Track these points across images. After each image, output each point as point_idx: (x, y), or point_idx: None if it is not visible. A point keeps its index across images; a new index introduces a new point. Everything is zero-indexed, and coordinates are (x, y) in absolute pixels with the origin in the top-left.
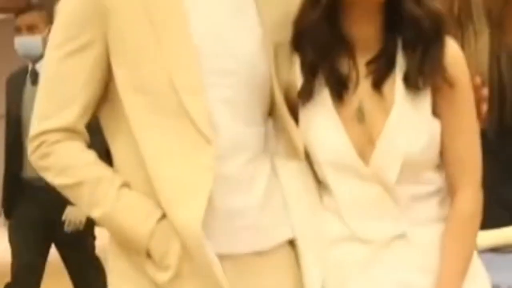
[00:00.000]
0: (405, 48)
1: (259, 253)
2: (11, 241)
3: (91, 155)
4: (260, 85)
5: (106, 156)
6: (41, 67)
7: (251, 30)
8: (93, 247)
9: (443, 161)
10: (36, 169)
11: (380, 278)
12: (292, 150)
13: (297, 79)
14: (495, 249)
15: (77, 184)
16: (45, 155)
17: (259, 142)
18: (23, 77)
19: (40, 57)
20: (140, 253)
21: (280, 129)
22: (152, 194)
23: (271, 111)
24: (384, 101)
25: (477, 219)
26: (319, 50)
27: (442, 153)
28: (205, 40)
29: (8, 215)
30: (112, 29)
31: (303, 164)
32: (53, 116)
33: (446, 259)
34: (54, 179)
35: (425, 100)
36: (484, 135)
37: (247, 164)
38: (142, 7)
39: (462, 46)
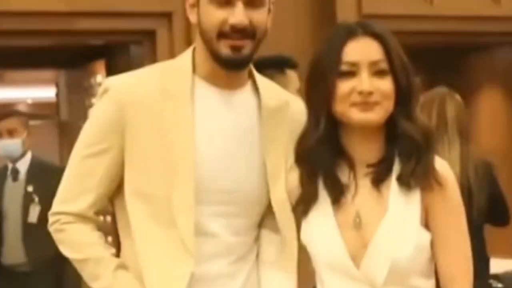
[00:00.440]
0: (400, 156)
1: None
2: None
3: (96, 237)
4: (254, 203)
5: None
6: (21, 165)
7: (251, 154)
8: None
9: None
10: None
11: None
12: (283, 250)
13: (296, 189)
14: None
15: (83, 260)
16: (60, 231)
17: (246, 248)
18: (4, 175)
19: (20, 157)
20: None
21: (274, 230)
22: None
23: (266, 216)
24: (380, 206)
25: None
26: (321, 164)
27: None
28: (208, 162)
29: None
30: (128, 140)
31: (287, 262)
32: (70, 201)
33: None
34: (66, 252)
35: (416, 208)
36: None
37: (230, 265)
38: (156, 127)
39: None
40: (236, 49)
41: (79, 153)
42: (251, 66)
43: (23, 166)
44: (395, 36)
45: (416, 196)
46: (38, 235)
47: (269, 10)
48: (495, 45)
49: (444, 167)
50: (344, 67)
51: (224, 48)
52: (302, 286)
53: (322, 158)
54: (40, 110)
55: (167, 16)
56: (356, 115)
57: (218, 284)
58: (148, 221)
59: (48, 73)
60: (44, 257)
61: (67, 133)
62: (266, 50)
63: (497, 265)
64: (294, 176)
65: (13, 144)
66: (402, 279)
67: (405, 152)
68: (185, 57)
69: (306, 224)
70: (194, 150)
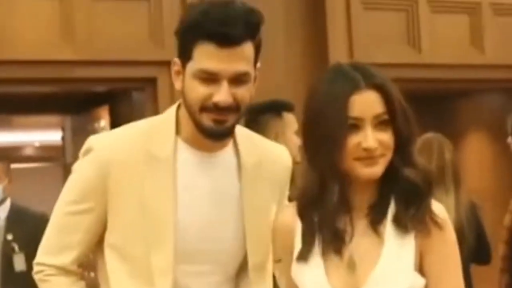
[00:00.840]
0: (397, 198)
1: None
2: None
3: None
4: (232, 261)
5: None
6: (0, 212)
7: (232, 216)
8: None
9: None
10: None
11: None
12: None
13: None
14: None
15: None
16: (44, 281)
17: None
18: None
19: (0, 202)
20: None
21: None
22: None
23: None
24: (374, 249)
25: None
26: (323, 215)
27: None
28: (187, 227)
29: None
30: (110, 199)
31: None
32: (53, 255)
33: None
34: None
35: (411, 253)
36: None
37: None
38: (138, 189)
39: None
40: (219, 122)
41: (61, 209)
42: None
43: (2, 212)
44: None
45: (411, 240)
46: (19, 283)
47: (255, 79)
48: (481, 91)
49: (441, 211)
50: (349, 122)
51: (206, 121)
52: None
53: (333, 217)
54: (46, 153)
55: (167, 64)
56: (362, 171)
57: None
58: (126, 278)
59: (54, 118)
60: None
61: None
62: (257, 94)
63: None
64: (286, 212)
65: None
66: None
67: (404, 195)
68: (168, 117)
69: (297, 268)
70: (174, 215)
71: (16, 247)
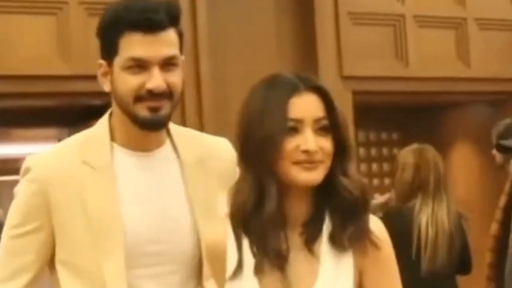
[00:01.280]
0: (332, 214)
1: None
2: None
3: None
4: (189, 258)
5: None
6: None
7: (180, 212)
8: None
9: None
10: None
11: None
12: None
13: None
14: None
15: None
16: None
17: None
18: None
19: None
20: None
21: None
22: None
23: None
24: (311, 268)
25: None
26: (259, 229)
27: None
28: (135, 229)
29: None
30: (55, 217)
31: None
32: (6, 281)
33: None
34: None
35: (349, 271)
36: None
37: None
38: (80, 201)
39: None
40: (154, 110)
41: (8, 233)
42: (169, 124)
43: None
44: (373, 95)
45: (349, 259)
46: None
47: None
48: (467, 104)
49: (379, 228)
50: (289, 124)
51: (141, 111)
52: None
53: (264, 229)
54: None
55: None
56: (300, 175)
57: None
58: None
59: (51, 131)
60: None
61: None
62: None
63: None
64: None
65: None
66: None
67: (340, 210)
68: (102, 125)
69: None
70: (120, 221)
71: None
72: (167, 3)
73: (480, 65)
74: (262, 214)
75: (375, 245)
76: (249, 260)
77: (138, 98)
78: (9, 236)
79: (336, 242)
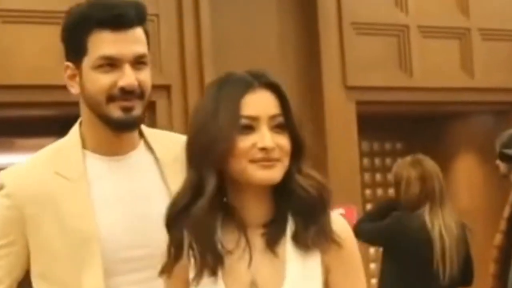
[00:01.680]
0: (294, 214)
1: None
2: None
3: None
4: None
5: None
6: None
7: (161, 212)
8: None
9: None
10: None
11: None
12: None
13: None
14: None
15: None
16: None
17: None
18: None
19: None
20: None
21: None
22: None
23: None
24: (277, 270)
25: None
26: (204, 231)
27: None
28: (112, 235)
29: None
30: (29, 233)
31: None
32: None
33: None
34: None
35: (317, 269)
36: None
37: None
38: (54, 213)
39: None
40: (127, 110)
41: None
42: (141, 126)
43: None
44: (377, 105)
45: (316, 257)
46: None
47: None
48: (470, 114)
49: (341, 225)
50: (243, 121)
51: (114, 111)
52: None
53: (205, 224)
54: None
55: (166, 88)
56: (257, 173)
57: None
58: None
59: (53, 140)
60: None
61: None
62: None
63: None
64: None
65: None
66: None
67: (299, 209)
68: (73, 134)
69: None
70: (96, 229)
71: None
72: (133, 1)
73: (484, 75)
74: (192, 212)
75: (337, 244)
76: (211, 265)
77: (111, 98)
78: None
79: (300, 241)
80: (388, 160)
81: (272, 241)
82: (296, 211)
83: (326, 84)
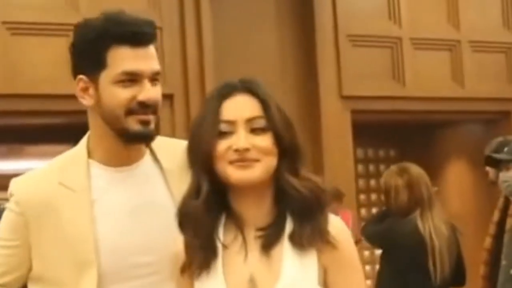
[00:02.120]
0: (292, 215)
1: None
2: None
3: None
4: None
5: None
6: None
7: (167, 221)
8: None
9: None
10: None
11: None
12: None
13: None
14: None
15: None
16: None
17: None
18: None
19: None
20: None
21: None
22: None
23: None
24: (273, 268)
25: None
26: (203, 228)
27: None
28: (113, 243)
29: None
30: (32, 237)
31: None
32: None
33: None
34: None
35: (313, 269)
36: None
37: None
38: (57, 226)
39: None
40: (145, 123)
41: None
42: None
43: None
44: (372, 114)
45: (312, 256)
46: None
47: None
48: (461, 122)
49: (337, 227)
50: (222, 126)
51: (133, 124)
52: None
53: (204, 221)
54: None
55: (169, 97)
56: (234, 173)
57: None
58: None
59: (61, 147)
60: None
61: None
62: None
63: None
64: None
65: None
66: None
67: (295, 210)
68: (80, 145)
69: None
70: (95, 239)
71: None
72: (146, 19)
73: (474, 86)
74: (190, 211)
75: (332, 246)
76: (214, 262)
77: (129, 111)
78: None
79: (296, 241)
80: (382, 167)
81: (268, 244)
82: (293, 211)
83: (322, 93)
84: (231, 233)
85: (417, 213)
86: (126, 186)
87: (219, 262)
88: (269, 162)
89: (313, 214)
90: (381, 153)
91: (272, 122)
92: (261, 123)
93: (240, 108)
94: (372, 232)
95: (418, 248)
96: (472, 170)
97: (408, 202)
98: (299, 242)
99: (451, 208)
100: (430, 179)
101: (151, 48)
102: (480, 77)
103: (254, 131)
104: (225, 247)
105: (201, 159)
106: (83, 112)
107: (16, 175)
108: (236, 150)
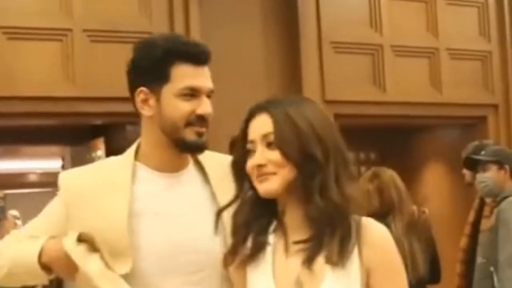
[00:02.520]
0: (324, 228)
1: None
2: None
3: None
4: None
5: None
6: None
7: (210, 224)
8: None
9: None
10: None
11: None
12: None
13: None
14: None
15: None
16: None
17: None
18: None
19: None
20: None
21: None
22: None
23: None
24: (316, 272)
25: None
26: (253, 227)
27: None
28: (158, 244)
29: None
30: (71, 224)
31: None
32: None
33: None
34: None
35: (356, 270)
36: None
37: None
38: (95, 220)
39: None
40: (200, 135)
41: (41, 214)
42: None
43: None
44: (353, 118)
45: (355, 260)
46: None
47: None
48: (438, 127)
49: (377, 231)
50: (248, 146)
51: (190, 135)
52: None
53: (254, 225)
54: (48, 180)
55: None
56: (258, 187)
57: None
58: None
59: (55, 148)
60: None
61: None
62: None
63: None
64: None
65: None
66: None
67: (317, 220)
68: (129, 151)
69: (248, 283)
70: (131, 231)
71: None
72: (202, 43)
73: (451, 92)
74: (254, 215)
75: (373, 250)
76: (264, 257)
77: (189, 123)
78: (41, 215)
79: (332, 261)
80: (363, 169)
81: (309, 258)
82: (324, 224)
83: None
84: (279, 237)
85: (390, 218)
86: (170, 190)
87: (268, 261)
88: (285, 174)
89: (336, 224)
90: (362, 155)
91: (276, 137)
92: (271, 138)
93: (257, 126)
94: None
95: None
96: (450, 172)
97: (380, 206)
98: (334, 261)
99: (429, 209)
100: (409, 181)
101: (207, 68)
102: (458, 84)
103: (269, 146)
104: (272, 248)
105: (240, 173)
106: (76, 114)
107: (11, 174)
108: (254, 167)
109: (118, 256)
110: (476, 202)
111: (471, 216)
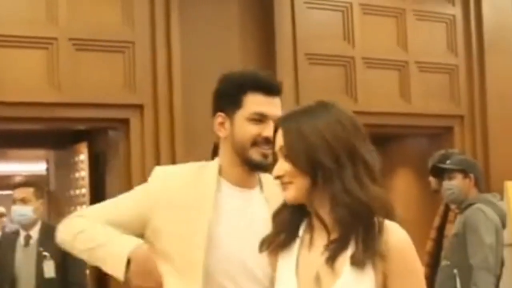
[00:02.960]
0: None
1: None
2: None
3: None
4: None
5: None
6: (32, 232)
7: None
8: None
9: None
10: None
11: None
12: None
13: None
14: None
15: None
16: (78, 216)
17: None
18: (14, 239)
19: (31, 224)
20: None
21: None
22: None
23: None
24: (336, 270)
25: None
26: (287, 224)
27: None
28: (234, 246)
29: None
30: (153, 222)
31: None
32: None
33: None
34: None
35: (370, 273)
36: None
37: None
38: (177, 217)
39: None
40: (265, 156)
41: (123, 197)
42: None
43: (34, 233)
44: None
45: (369, 264)
46: None
47: None
48: (407, 136)
49: (397, 235)
50: (275, 156)
51: (256, 155)
52: None
53: (289, 220)
54: None
55: (139, 107)
56: (282, 195)
57: None
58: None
59: (40, 152)
60: None
61: (54, 201)
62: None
63: None
64: None
65: (24, 211)
66: None
67: (349, 226)
68: (213, 163)
69: (277, 269)
70: (208, 237)
71: (48, 255)
72: (277, 79)
73: (420, 103)
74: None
75: (391, 254)
76: (289, 251)
77: (255, 144)
78: (122, 197)
79: (355, 262)
80: None
81: (332, 258)
82: (348, 224)
83: (282, 106)
84: (307, 233)
85: None
86: (245, 203)
87: (294, 254)
88: (299, 183)
89: (359, 228)
90: None
91: (286, 149)
92: (284, 150)
93: (277, 140)
94: None
95: None
96: (417, 180)
97: None
98: (358, 261)
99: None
100: None
101: (278, 99)
102: (426, 95)
103: (285, 157)
104: (300, 242)
105: None
106: (61, 120)
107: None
108: (276, 177)
109: (188, 271)
110: (441, 208)
111: (436, 221)
